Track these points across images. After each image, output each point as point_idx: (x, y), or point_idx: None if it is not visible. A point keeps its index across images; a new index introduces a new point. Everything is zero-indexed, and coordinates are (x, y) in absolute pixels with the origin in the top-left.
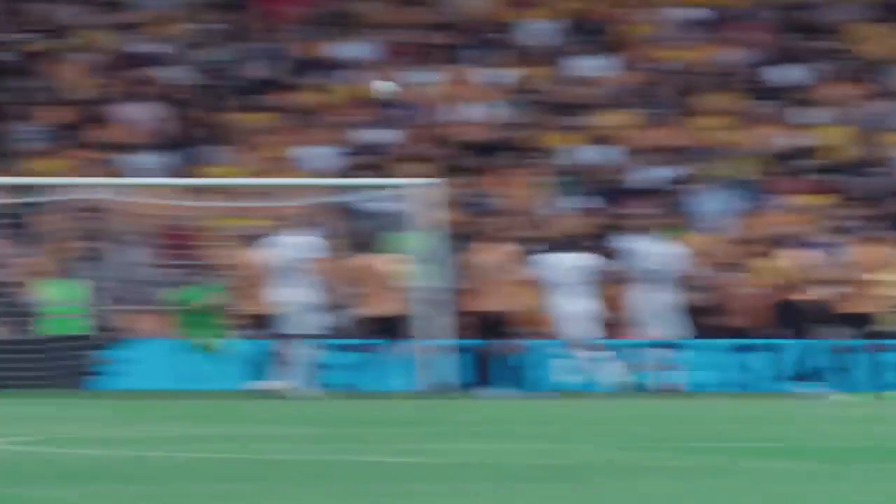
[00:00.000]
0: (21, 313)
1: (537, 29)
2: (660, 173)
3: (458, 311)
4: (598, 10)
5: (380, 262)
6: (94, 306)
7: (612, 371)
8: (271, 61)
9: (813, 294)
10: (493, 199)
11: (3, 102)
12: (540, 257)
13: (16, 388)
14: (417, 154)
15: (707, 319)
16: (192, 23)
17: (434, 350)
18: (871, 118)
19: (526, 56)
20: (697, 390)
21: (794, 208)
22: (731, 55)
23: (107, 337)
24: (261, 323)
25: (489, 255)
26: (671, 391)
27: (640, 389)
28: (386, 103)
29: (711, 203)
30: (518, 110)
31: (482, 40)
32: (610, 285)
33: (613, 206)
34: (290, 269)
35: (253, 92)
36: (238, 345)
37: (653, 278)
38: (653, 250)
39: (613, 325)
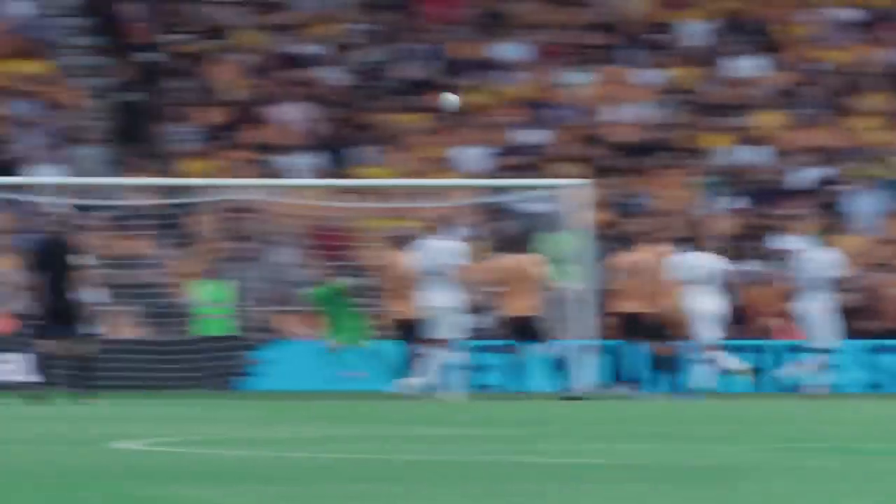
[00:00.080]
0: (171, 314)
1: (692, 29)
2: (812, 174)
3: (603, 312)
4: (753, 10)
5: (527, 262)
6: (242, 307)
7: (736, 370)
8: (425, 62)
9: None
10: (645, 200)
11: (157, 103)
12: (678, 258)
13: (165, 389)
14: (570, 155)
15: (857, 321)
16: (346, 23)
17: (578, 350)
18: None
19: (680, 56)
20: (843, 391)
21: None
22: (886, 55)
23: (255, 338)
24: (406, 325)
25: (640, 256)
26: (819, 393)
27: (790, 390)
28: (539, 104)
29: (863, 204)
30: (671, 111)
31: (637, 41)
32: (747, 287)
33: (766, 206)
34: (438, 274)
35: (407, 93)
36: (383, 346)
37: (811, 284)
38: (810, 255)
39: (746, 325)
